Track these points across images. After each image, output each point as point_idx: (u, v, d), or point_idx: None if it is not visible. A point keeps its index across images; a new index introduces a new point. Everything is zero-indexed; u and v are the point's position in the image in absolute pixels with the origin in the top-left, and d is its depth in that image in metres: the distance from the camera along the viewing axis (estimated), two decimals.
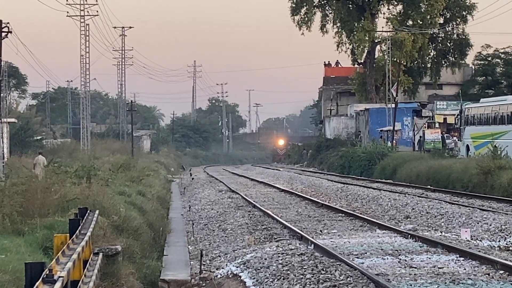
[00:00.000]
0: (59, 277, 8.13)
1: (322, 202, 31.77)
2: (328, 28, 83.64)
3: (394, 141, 63.72)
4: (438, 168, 41.68)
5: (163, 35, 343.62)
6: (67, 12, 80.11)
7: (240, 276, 16.09)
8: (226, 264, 17.74)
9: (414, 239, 19.32)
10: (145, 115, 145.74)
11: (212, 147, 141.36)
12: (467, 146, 51.25)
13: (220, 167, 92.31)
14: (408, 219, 26.13)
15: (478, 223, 23.20)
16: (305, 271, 15.04)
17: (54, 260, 9.87)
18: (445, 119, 76.23)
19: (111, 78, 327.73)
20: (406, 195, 33.99)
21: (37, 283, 7.81)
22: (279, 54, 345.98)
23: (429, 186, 39.21)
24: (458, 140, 57.33)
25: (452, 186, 37.86)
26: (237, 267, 16.93)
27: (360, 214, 27.03)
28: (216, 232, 24.68)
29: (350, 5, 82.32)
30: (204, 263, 18.03)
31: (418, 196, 33.19)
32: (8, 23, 41.62)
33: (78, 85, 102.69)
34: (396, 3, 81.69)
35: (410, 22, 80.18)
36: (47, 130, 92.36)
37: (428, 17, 79.08)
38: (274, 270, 15.62)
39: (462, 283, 13.67)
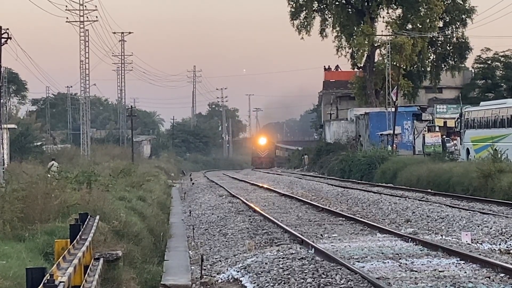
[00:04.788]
0: (60, 282, 8.14)
1: (323, 206, 31.76)
2: (328, 33, 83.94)
3: (394, 145, 63.74)
4: (439, 171, 41.68)
5: (163, 41, 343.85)
6: (67, 18, 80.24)
7: (241, 281, 16.10)
8: (227, 269, 17.73)
9: (414, 243, 19.33)
10: (145, 120, 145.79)
11: (212, 152, 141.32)
12: (467, 149, 51.25)
13: (220, 172, 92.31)
14: (409, 222, 26.13)
15: (478, 227, 23.21)
16: (305, 275, 15.05)
17: (55, 265, 9.88)
18: (445, 122, 76.22)
19: (111, 83, 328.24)
20: (407, 198, 33.96)
21: None
22: (279, 59, 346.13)
23: (429, 190, 39.18)
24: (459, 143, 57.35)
25: (453, 189, 37.84)
26: (238, 271, 16.93)
27: (361, 218, 27.02)
28: (216, 237, 24.67)
29: (350, 9, 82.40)
30: (205, 268, 18.02)
31: (419, 200, 33.17)
32: (7, 29, 41.67)
33: (78, 90, 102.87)
34: (395, 7, 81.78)
35: (410, 26, 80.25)
36: (47, 136, 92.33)
37: (428, 20, 79.14)
38: (275, 274, 15.63)
39: (463, 287, 13.68)
